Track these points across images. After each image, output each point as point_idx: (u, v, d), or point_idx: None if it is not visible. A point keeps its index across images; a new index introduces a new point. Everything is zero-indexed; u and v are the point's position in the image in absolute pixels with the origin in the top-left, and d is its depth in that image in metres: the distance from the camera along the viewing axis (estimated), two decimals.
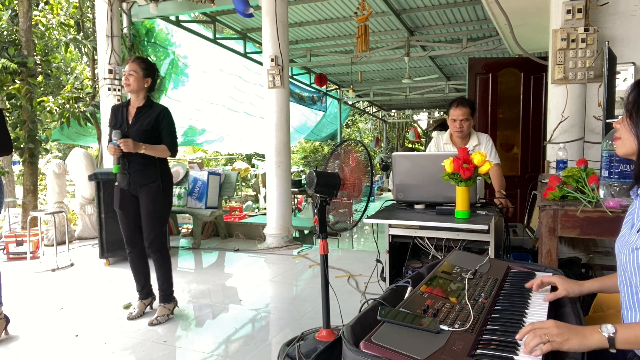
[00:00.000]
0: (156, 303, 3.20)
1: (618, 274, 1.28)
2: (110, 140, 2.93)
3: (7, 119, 6.23)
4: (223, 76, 8.31)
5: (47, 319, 3.14)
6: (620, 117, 1.30)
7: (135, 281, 3.17)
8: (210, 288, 3.85)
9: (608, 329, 1.06)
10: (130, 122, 2.96)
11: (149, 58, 6.34)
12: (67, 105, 6.25)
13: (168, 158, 3.07)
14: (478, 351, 1.06)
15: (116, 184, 3.03)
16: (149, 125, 2.93)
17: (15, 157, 7.25)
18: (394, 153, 2.67)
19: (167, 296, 3.11)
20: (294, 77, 10.66)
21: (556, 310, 1.35)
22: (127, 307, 3.28)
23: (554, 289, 1.42)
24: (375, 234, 2.73)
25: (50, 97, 6.37)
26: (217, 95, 8.35)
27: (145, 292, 3.18)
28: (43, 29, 6.80)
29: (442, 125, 11.19)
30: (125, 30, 6.00)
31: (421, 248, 2.46)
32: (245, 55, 8.45)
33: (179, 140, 7.91)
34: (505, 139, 5.51)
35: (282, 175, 5.34)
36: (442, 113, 18.24)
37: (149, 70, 2.99)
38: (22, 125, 6.06)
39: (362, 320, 1.20)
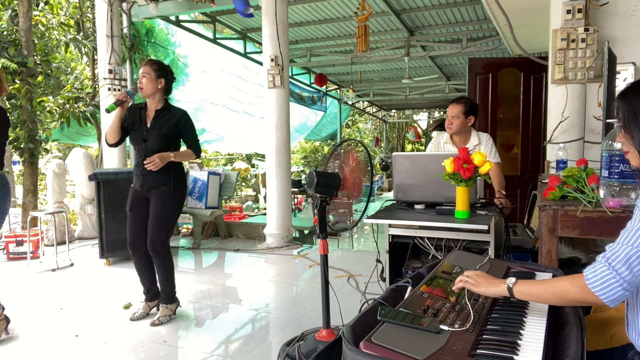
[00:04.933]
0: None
1: None
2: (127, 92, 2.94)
3: None
4: (223, 76, 8.30)
5: (47, 319, 3.14)
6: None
7: (141, 283, 3.15)
8: (210, 288, 3.85)
9: (511, 281, 1.26)
10: (149, 125, 2.95)
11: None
12: (67, 105, 6.24)
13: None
14: (478, 351, 1.06)
15: (132, 185, 3.04)
16: (170, 129, 2.93)
17: (15, 157, 7.24)
18: (394, 153, 2.67)
19: (170, 297, 3.10)
20: (294, 77, 10.65)
21: (556, 309, 1.35)
22: (127, 307, 3.28)
23: None
24: (375, 234, 2.73)
25: (50, 97, 6.35)
26: (217, 95, 8.35)
27: (151, 294, 3.15)
28: (43, 29, 6.78)
29: (441, 125, 11.18)
30: (125, 30, 5.99)
31: (421, 248, 2.46)
32: (245, 55, 8.44)
33: None
34: (505, 139, 5.51)
35: (282, 175, 5.34)
36: (442, 113, 18.23)
37: (161, 71, 2.99)
38: (22, 125, 6.05)
39: (362, 320, 1.20)
